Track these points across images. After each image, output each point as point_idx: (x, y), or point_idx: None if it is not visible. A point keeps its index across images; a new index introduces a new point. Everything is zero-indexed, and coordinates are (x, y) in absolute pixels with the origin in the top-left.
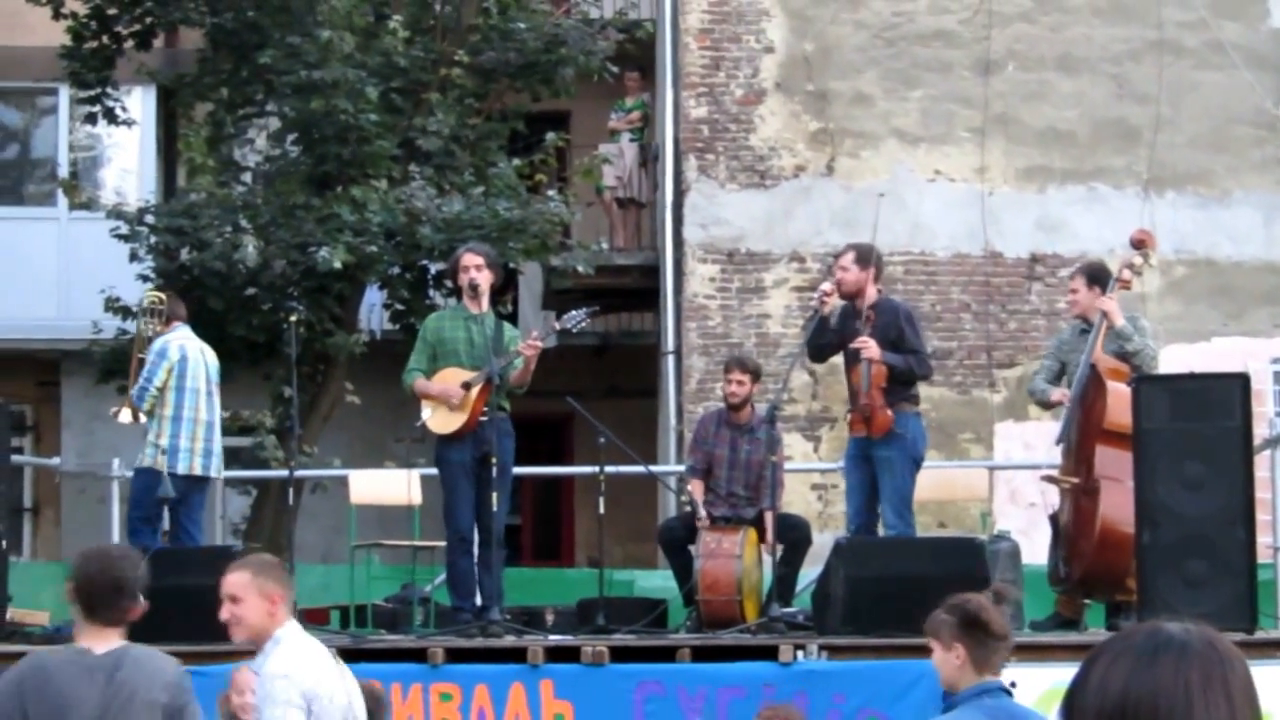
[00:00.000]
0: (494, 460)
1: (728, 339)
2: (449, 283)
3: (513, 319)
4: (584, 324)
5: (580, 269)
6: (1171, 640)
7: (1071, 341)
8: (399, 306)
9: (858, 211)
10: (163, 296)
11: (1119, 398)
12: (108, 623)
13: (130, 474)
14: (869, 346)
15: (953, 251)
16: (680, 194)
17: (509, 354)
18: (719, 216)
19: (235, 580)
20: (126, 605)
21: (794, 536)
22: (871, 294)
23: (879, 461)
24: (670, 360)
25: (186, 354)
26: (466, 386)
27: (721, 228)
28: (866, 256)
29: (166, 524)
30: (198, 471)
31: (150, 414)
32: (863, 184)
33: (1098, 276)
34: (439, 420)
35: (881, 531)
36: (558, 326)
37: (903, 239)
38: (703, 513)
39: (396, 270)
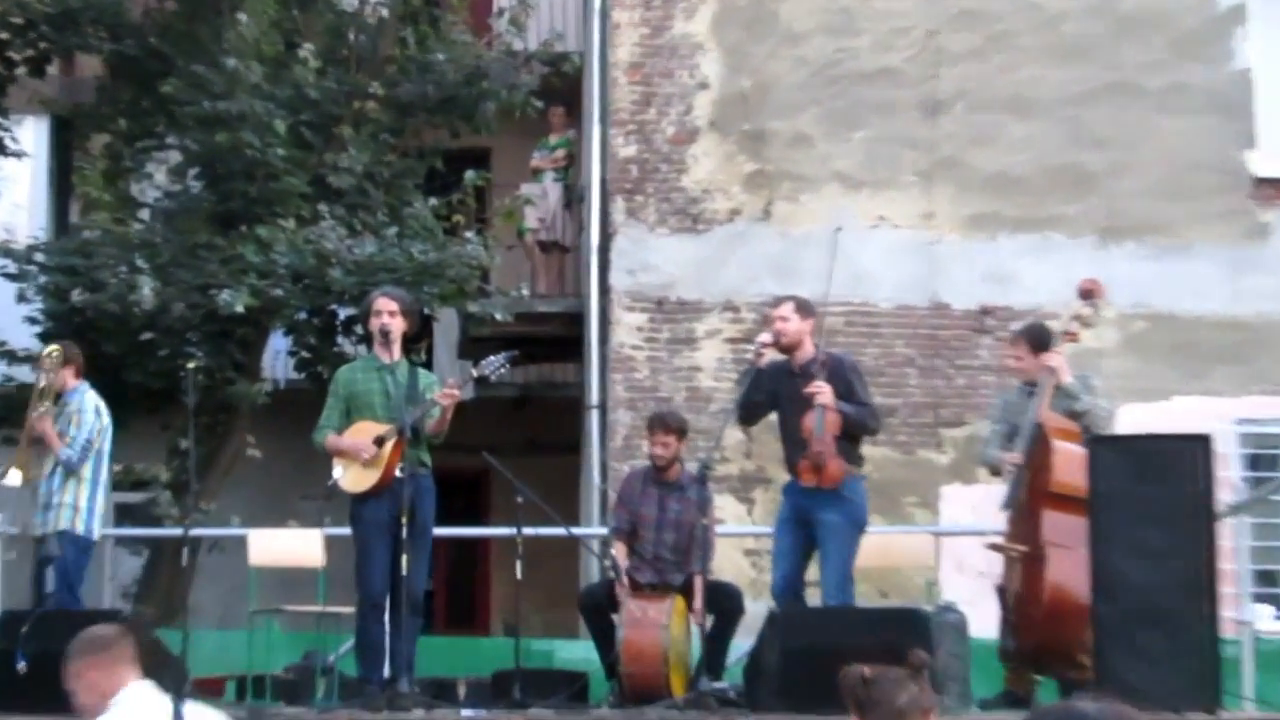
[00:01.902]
0: (405, 519)
1: (656, 392)
2: (360, 329)
3: (427, 368)
4: (504, 370)
5: (499, 316)
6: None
7: (1018, 403)
8: (306, 354)
9: (795, 259)
10: (63, 351)
11: (1067, 458)
12: None
13: (13, 531)
14: (824, 391)
15: (897, 302)
16: (607, 238)
17: (425, 404)
18: (648, 262)
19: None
20: None
21: (725, 605)
22: (809, 348)
23: (823, 526)
24: (594, 414)
25: (101, 413)
26: (379, 441)
27: (650, 274)
28: (807, 307)
29: (50, 585)
30: (94, 536)
31: (72, 475)
32: (801, 230)
33: (1041, 341)
34: (352, 478)
35: (819, 602)
36: (475, 374)
37: (844, 288)
38: (624, 578)
39: (304, 315)
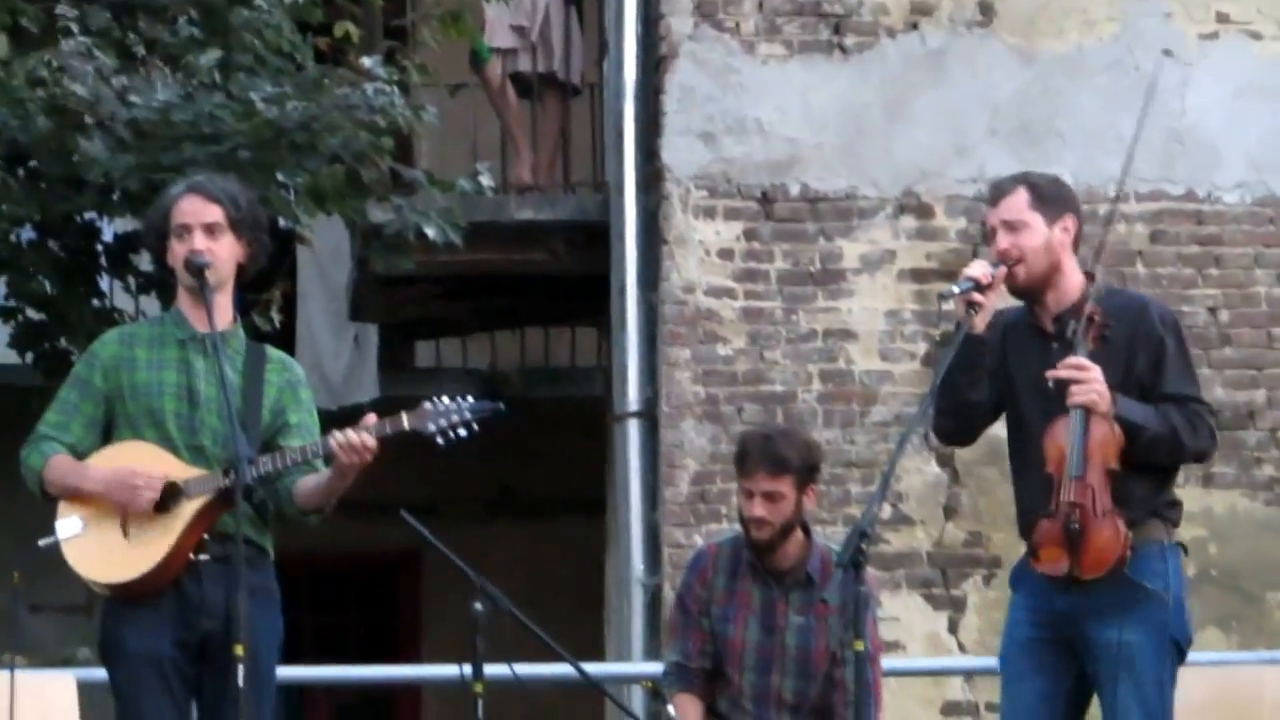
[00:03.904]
0: (213, 649)
1: (760, 386)
2: (146, 263)
3: (287, 339)
4: (465, 431)
5: (433, 234)
6: None
7: None
8: (33, 315)
9: (1046, 104)
10: None
11: None
12: None
13: None
14: (1088, 377)
15: (1259, 193)
16: (655, 64)
17: (297, 447)
18: (741, 117)
19: None
20: None
21: None
22: (1074, 280)
23: (1105, 651)
24: (632, 431)
25: None
26: (174, 491)
27: (746, 141)
28: (1059, 198)
29: None
30: None
31: None
32: (1056, 47)
33: None
34: (94, 554)
35: None
36: (407, 424)
37: (1150, 166)
38: None
39: (29, 234)
